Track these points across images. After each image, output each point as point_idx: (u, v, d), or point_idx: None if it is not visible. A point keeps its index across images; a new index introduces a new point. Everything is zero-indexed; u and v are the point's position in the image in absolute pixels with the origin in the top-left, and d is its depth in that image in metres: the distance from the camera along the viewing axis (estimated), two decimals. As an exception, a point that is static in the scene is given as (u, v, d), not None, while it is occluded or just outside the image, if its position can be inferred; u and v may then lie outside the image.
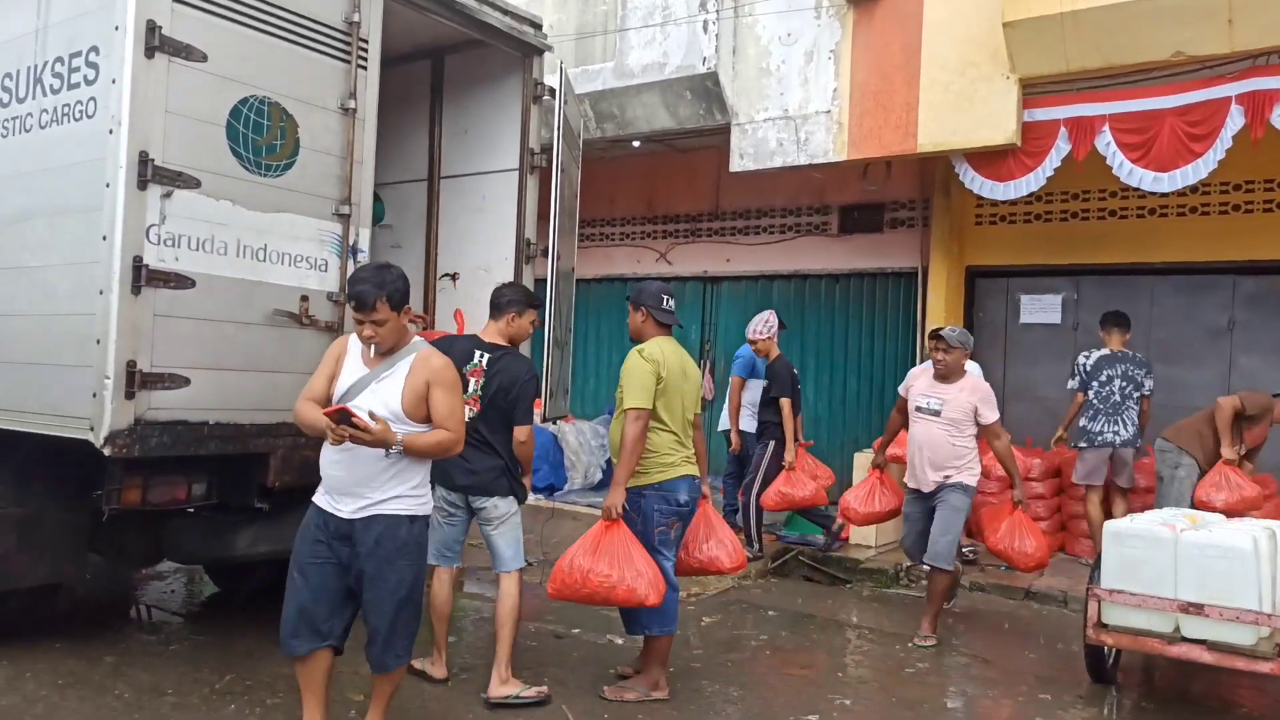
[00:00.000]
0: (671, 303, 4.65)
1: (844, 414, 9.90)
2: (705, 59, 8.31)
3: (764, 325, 7.33)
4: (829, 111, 7.90)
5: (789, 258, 10.14)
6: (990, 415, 5.74)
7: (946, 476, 5.70)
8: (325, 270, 4.63)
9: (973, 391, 5.78)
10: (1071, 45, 6.64)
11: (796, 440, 7.13)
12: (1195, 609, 4.37)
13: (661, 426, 4.48)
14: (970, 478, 5.74)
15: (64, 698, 4.29)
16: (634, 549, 4.27)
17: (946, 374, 5.81)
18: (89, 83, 4.09)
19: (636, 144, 9.88)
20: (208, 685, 4.50)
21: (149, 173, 3.94)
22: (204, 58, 4.13)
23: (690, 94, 8.51)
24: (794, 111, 8.06)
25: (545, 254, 5.72)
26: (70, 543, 4.73)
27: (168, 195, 4.03)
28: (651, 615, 4.51)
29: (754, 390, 7.71)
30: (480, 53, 5.98)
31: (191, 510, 4.75)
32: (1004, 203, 8.53)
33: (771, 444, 7.24)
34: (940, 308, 8.86)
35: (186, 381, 4.08)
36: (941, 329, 5.94)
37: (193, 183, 4.10)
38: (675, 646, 5.44)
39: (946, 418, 5.71)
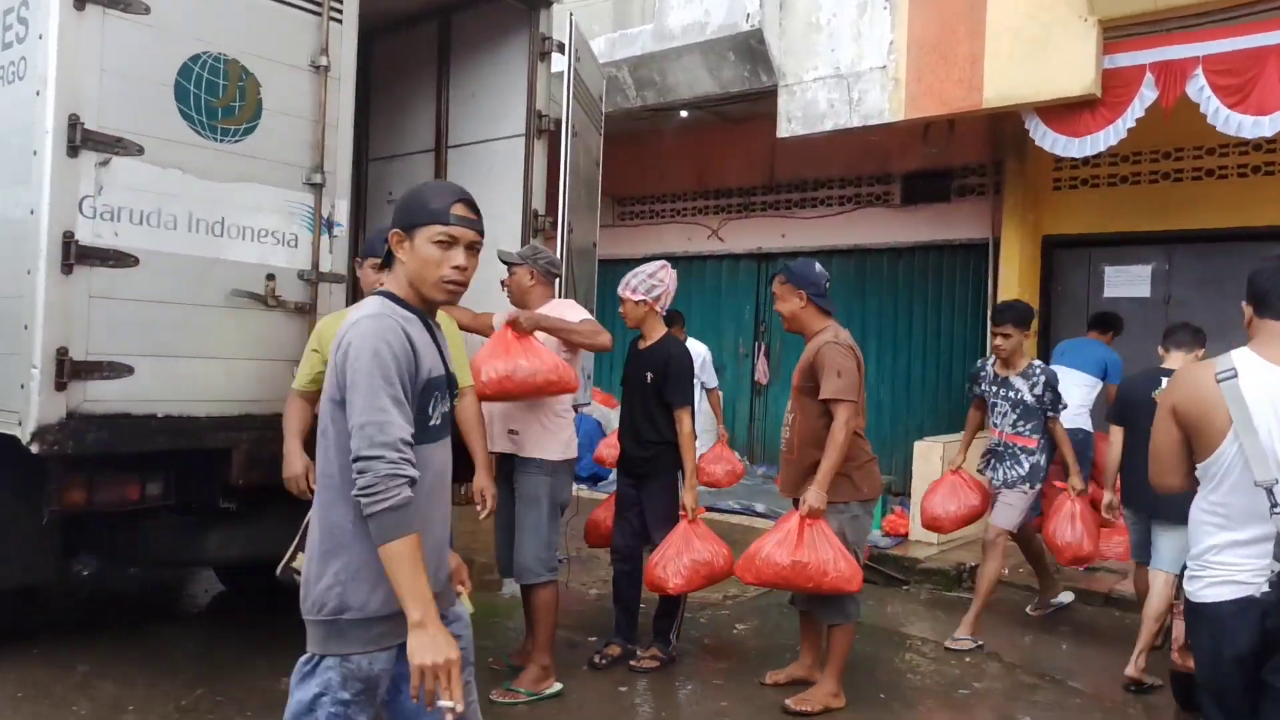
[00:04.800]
0: None
1: (907, 399, 9.19)
2: (749, 16, 7.68)
3: (648, 280, 4.70)
4: (884, 67, 7.18)
5: (848, 231, 9.44)
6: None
7: (513, 435, 4.33)
8: (295, 246, 4.17)
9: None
10: (1158, -22, 5.83)
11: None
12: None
13: None
14: (551, 450, 4.28)
15: (16, 712, 3.96)
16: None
17: None
18: (20, 41, 3.69)
19: (684, 114, 9.31)
20: (174, 701, 4.11)
21: (78, 138, 3.52)
22: (146, 9, 3.70)
23: (734, 55, 7.88)
24: (846, 69, 7.37)
25: (554, 227, 5.19)
26: (41, 543, 4.35)
27: (104, 163, 3.61)
28: None
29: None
30: (487, 8, 5.49)
31: (170, 509, 4.37)
32: (1085, 164, 7.73)
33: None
34: (1014, 282, 8.10)
35: (130, 370, 3.67)
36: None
37: (134, 149, 3.68)
38: (711, 650, 4.92)
39: None
